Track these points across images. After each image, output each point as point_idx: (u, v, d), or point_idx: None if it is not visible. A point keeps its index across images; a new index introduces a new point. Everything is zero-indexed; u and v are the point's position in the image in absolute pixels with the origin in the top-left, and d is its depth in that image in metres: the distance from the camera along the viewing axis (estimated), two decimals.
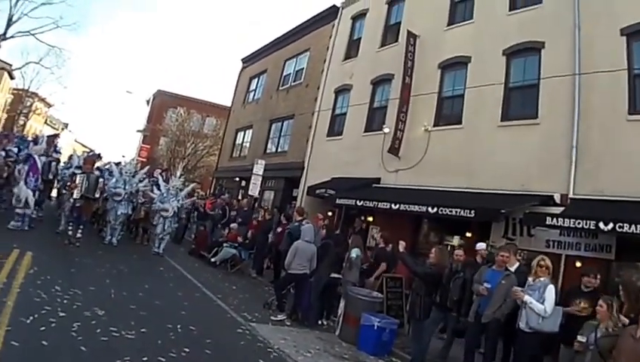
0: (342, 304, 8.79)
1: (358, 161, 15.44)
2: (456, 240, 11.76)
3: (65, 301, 6.70)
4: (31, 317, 5.69)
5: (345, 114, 17.46)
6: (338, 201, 14.17)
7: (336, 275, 9.36)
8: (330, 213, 15.13)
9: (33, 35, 31.85)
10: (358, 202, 13.15)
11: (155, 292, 8.63)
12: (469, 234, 11.38)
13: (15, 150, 12.80)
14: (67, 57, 39.98)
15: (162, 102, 44.85)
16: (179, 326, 6.76)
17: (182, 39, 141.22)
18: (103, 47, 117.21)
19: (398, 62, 14.48)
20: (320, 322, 9.15)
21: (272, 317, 8.74)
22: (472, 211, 9.91)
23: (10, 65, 43.25)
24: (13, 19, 29.74)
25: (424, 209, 11.07)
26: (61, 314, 6.08)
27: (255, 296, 10.56)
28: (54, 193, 16.34)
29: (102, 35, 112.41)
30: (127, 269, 10.26)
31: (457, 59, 13.04)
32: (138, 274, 10.10)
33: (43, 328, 5.49)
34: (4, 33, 29.82)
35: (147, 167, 16.13)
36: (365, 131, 15.87)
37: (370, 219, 14.24)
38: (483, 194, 10.77)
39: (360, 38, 17.98)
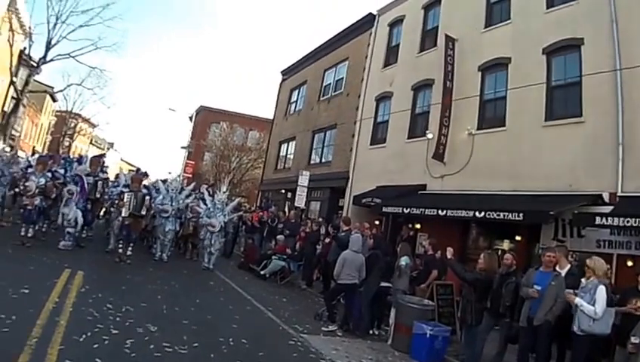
0: (393, 313, 8.86)
1: (402, 168, 15.66)
2: (506, 244, 11.80)
3: (117, 318, 6.84)
4: (84, 336, 5.80)
5: (387, 121, 17.73)
6: (384, 210, 14.37)
7: (386, 284, 9.46)
8: (377, 222, 15.35)
9: (73, 57, 32.62)
10: (404, 210, 13.32)
11: (206, 306, 8.81)
12: (518, 238, 11.43)
13: (62, 171, 13.29)
14: (109, 78, 40.99)
15: (205, 118, 46.16)
16: (231, 340, 6.86)
17: (221, 54, 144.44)
18: (144, 66, 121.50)
19: (438, 66, 14.68)
20: (371, 331, 9.25)
21: (324, 328, 8.84)
22: (521, 214, 9.99)
23: (52, 87, 44.71)
24: (52, 42, 30.55)
25: (471, 214, 11.22)
26: (114, 332, 6.21)
27: (305, 307, 10.68)
28: (102, 212, 16.88)
29: (142, 55, 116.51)
30: (178, 285, 10.49)
31: (497, 60, 13.16)
32: (189, 289, 10.31)
33: (96, 345, 5.59)
34: (44, 56, 30.76)
35: (193, 183, 16.64)
36: (408, 138, 16.09)
37: (418, 226, 14.38)
38: (531, 196, 10.84)
39: (398, 45, 18.26)
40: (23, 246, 10.80)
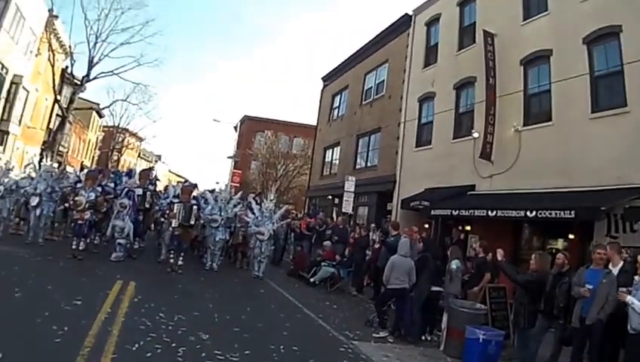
0: (445, 317, 8.88)
1: (450, 170, 15.69)
2: (560, 244, 11.69)
3: (170, 327, 7.03)
4: (136, 345, 5.98)
5: (431, 122, 17.81)
6: (433, 212, 14.46)
7: (437, 288, 9.48)
8: (426, 225, 15.42)
9: (116, 74, 34.08)
10: (453, 212, 13.41)
11: (257, 314, 9.01)
12: (571, 236, 11.30)
13: (112, 185, 13.85)
14: (153, 93, 42.43)
15: (250, 127, 47.29)
16: (281, 347, 6.98)
17: (261, 63, 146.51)
18: (187, 79, 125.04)
19: (479, 63, 14.65)
20: (423, 337, 9.24)
21: (374, 335, 8.88)
22: (572, 211, 9.95)
23: (98, 104, 47.02)
24: (94, 61, 32.12)
25: (522, 213, 11.20)
26: (166, 340, 6.38)
27: (356, 313, 10.75)
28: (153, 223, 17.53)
29: (184, 68, 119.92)
30: (229, 293, 10.84)
31: (538, 53, 13.06)
32: (240, 297, 10.61)
33: (149, 354, 5.77)
34: (87, 75, 32.32)
35: (240, 192, 16.99)
36: (454, 138, 16.12)
37: (468, 228, 14.40)
38: (581, 192, 10.73)
39: (437, 44, 18.35)
40: (75, 260, 11.22)
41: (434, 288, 9.43)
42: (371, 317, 9.68)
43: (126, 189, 12.98)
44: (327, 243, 14.96)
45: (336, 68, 28.82)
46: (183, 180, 26.30)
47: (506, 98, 13.76)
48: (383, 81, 22.67)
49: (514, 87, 13.57)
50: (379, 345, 8.35)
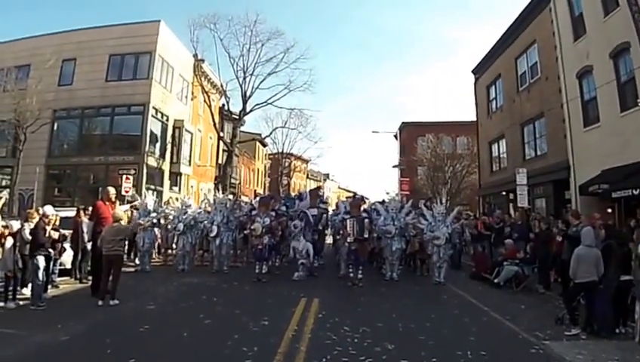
0: (638, 307, 8.43)
1: (623, 146, 15.41)
2: None
3: (355, 339, 7.57)
4: (324, 359, 6.53)
5: (595, 98, 17.56)
6: (614, 195, 14.45)
7: (627, 277, 9.32)
8: (609, 210, 15.35)
9: (270, 103, 37.68)
10: (634, 191, 13.36)
11: (441, 321, 9.38)
12: None
13: (283, 208, 15.65)
14: (309, 115, 45.87)
15: (409, 134, 49.22)
16: (469, 353, 7.09)
17: (405, 68, 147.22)
18: (337, 94, 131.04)
19: (628, 27, 14.42)
20: (617, 330, 8.99)
21: (566, 332, 8.79)
22: None
23: (259, 134, 52.50)
24: (247, 94, 35.83)
25: None
26: (352, 353, 6.88)
27: (545, 312, 10.57)
28: (329, 241, 19.14)
29: (333, 86, 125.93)
30: (412, 302, 11.46)
31: None
32: (422, 305, 11.19)
33: None
34: (243, 109, 36.24)
35: (411, 200, 17.95)
36: (622, 111, 15.83)
37: None
38: None
39: (581, 14, 18.20)
40: (259, 282, 13.03)
41: (623, 277, 9.35)
42: (561, 315, 9.66)
43: (299, 212, 14.76)
44: (508, 241, 15.19)
45: (484, 58, 29.35)
46: (351, 195, 27.97)
47: None
48: (536, 62, 22.84)
49: None
50: (572, 342, 8.30)
